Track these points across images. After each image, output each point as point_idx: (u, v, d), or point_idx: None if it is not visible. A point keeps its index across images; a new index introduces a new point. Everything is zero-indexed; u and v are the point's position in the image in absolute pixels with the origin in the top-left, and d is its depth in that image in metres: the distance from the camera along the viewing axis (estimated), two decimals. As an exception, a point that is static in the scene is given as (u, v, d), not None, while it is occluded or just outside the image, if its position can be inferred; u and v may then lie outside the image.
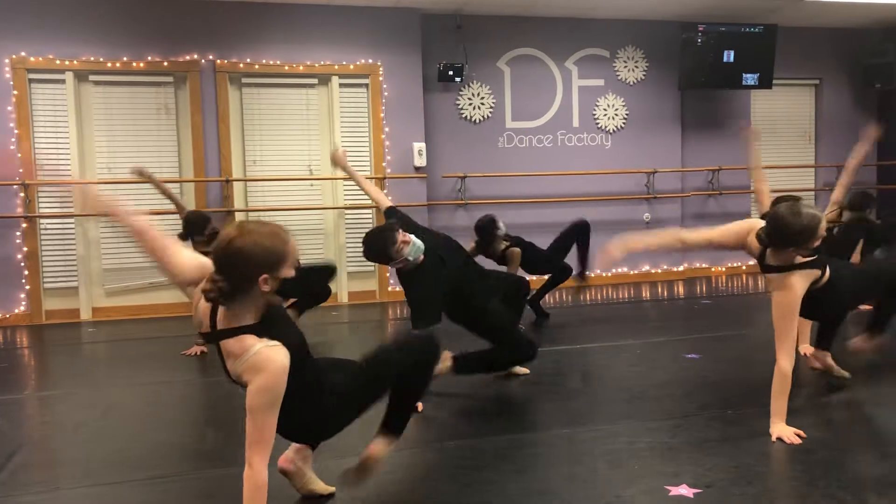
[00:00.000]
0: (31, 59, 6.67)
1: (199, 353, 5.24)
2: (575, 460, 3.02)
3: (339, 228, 7.48)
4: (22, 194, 6.66)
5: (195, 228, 5.38)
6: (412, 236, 3.92)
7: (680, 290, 7.76)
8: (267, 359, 2.18)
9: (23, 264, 6.73)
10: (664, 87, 8.44)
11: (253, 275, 2.18)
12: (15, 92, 6.64)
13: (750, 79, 8.35)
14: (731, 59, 8.24)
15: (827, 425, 3.35)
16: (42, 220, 6.82)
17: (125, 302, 7.04)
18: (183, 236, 5.39)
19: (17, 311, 6.75)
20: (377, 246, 3.86)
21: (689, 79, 8.26)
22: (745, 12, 8.14)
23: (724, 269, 8.81)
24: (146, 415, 3.92)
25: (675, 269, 8.58)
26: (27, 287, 6.75)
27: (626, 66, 8.36)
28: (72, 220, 6.85)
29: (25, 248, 6.73)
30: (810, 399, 3.69)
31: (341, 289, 7.47)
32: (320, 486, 2.74)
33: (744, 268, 8.81)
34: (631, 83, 8.40)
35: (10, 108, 6.65)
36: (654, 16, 8.17)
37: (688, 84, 8.30)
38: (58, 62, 6.72)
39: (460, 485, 2.81)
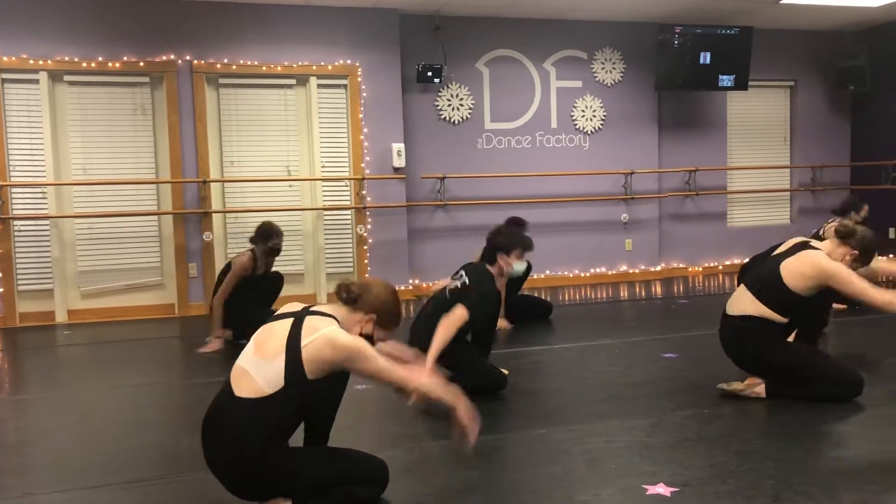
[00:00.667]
0: (4, 58, 6.59)
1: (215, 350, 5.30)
2: (553, 460, 3.03)
3: (317, 230, 7.46)
4: (-5, 196, 6.58)
5: (260, 237, 5.55)
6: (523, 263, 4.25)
7: (657, 289, 7.81)
8: (341, 332, 2.49)
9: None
10: (641, 88, 8.50)
11: (368, 308, 2.65)
12: (-12, 92, 6.56)
13: (726, 80, 8.43)
14: (708, 61, 8.31)
15: (800, 424, 3.39)
16: (16, 222, 6.74)
17: (101, 304, 6.97)
18: (251, 240, 5.59)
19: (-10, 313, 6.67)
20: (509, 240, 4.19)
21: (666, 80, 8.32)
22: (721, 14, 8.22)
23: (700, 269, 8.88)
24: (123, 418, 3.89)
25: (652, 269, 8.64)
26: (0, 290, 6.67)
27: (603, 68, 8.41)
28: (46, 222, 6.78)
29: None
30: (784, 398, 3.73)
31: (320, 289, 7.45)
32: None
33: (720, 267, 8.89)
34: (608, 84, 8.45)
35: (-18, 108, 6.57)
36: (632, 17, 8.23)
37: (665, 85, 8.36)
38: (31, 62, 6.65)
39: (439, 486, 2.82)
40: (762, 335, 3.70)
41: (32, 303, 6.82)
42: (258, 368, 2.45)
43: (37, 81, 6.69)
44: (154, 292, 7.13)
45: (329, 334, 2.46)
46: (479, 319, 3.98)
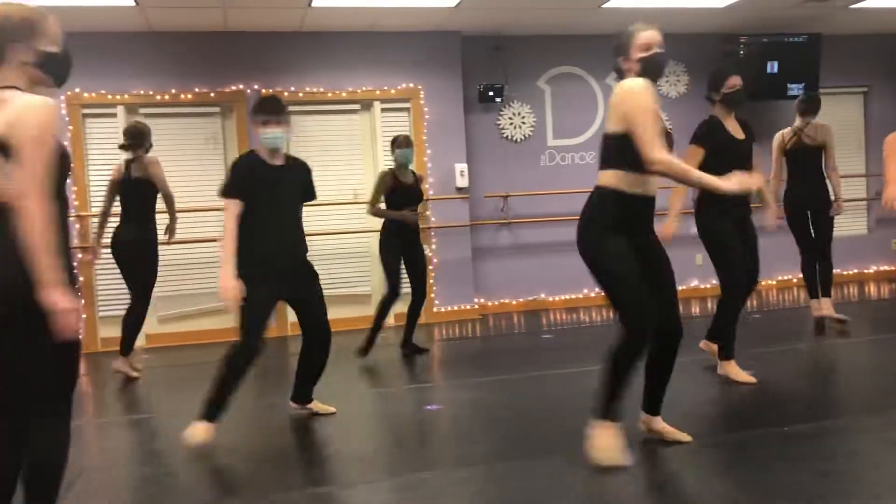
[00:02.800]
0: (85, 94, 6.90)
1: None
2: (628, 482, 2.98)
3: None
4: (77, 226, 6.86)
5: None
6: None
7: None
8: (42, 100, 2.14)
9: (79, 293, 6.90)
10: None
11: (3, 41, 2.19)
12: (70, 127, 6.87)
13: (795, 89, 8.23)
14: (775, 70, 8.14)
15: (886, 443, 3.26)
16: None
17: (178, 328, 7.18)
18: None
19: (74, 339, 6.92)
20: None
21: (733, 91, 8.16)
22: (788, 22, 8.04)
23: (774, 282, 8.64)
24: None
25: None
26: (83, 316, 6.94)
27: (667, 81, 8.32)
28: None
29: (81, 278, 6.92)
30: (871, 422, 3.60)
31: (387, 311, 7.50)
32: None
33: (794, 280, 8.63)
34: (673, 97, 8.35)
35: (65, 143, 6.87)
36: (695, 29, 8.12)
37: (731, 96, 8.20)
38: (109, 97, 6.94)
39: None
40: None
41: (113, 328, 7.04)
42: None
43: (115, 115, 6.98)
44: (229, 316, 7.29)
45: (28, 99, 2.15)
46: None
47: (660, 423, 3.38)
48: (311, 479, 3.24)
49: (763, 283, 8.66)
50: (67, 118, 6.87)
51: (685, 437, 3.34)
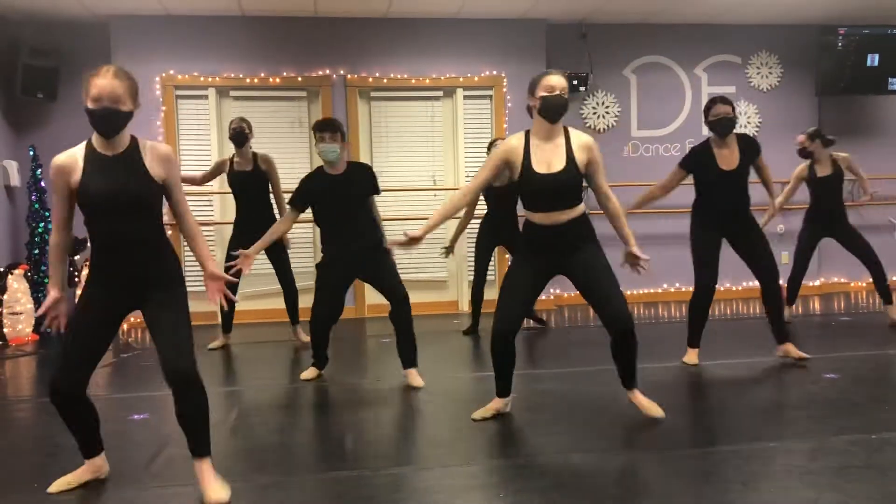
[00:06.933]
0: (179, 76, 7.14)
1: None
2: (705, 480, 2.93)
3: (460, 238, 7.55)
4: (168, 203, 7.11)
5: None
6: None
7: (816, 305, 7.38)
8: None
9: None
10: (800, 93, 8.09)
11: None
12: (163, 107, 7.12)
13: (896, 83, 7.89)
14: (876, 63, 7.80)
15: None
16: (185, 228, 7.25)
17: (258, 306, 7.37)
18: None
19: (162, 312, 7.20)
20: None
21: (828, 84, 7.87)
22: (891, 13, 7.67)
23: (864, 284, 8.32)
24: (278, 415, 4.10)
25: (810, 284, 8.16)
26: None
27: (759, 73, 8.07)
28: (212, 228, 7.26)
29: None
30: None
31: (462, 297, 7.55)
32: None
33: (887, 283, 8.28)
34: (764, 90, 8.09)
35: (158, 122, 7.13)
36: (790, 20, 7.84)
37: (826, 90, 7.91)
38: (202, 79, 7.16)
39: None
40: None
41: (195, 304, 7.28)
42: None
43: (206, 97, 7.20)
44: (305, 296, 7.45)
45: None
46: None
47: (636, 396, 3.75)
48: (388, 460, 3.30)
49: (853, 284, 8.35)
50: (161, 99, 7.12)
51: (658, 412, 3.67)
